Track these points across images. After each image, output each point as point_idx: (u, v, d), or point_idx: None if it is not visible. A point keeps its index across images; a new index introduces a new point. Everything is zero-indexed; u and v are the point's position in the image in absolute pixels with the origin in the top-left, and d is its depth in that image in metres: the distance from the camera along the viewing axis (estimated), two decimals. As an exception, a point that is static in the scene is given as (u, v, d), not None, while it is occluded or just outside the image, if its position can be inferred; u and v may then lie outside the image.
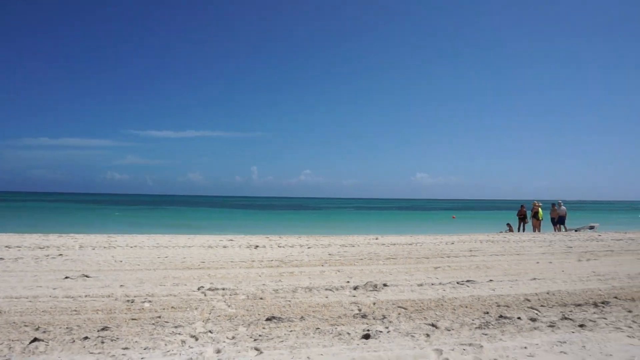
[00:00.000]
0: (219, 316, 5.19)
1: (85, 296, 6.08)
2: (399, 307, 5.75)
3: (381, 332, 4.51)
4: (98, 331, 4.46)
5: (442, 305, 5.89)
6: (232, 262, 9.64)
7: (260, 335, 4.41)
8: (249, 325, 4.83)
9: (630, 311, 5.59)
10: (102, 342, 4.11)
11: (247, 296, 6.34)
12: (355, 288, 6.92)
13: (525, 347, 4.08)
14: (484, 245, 13.46)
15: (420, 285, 7.31)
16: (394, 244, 13.42)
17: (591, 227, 23.05)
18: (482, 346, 4.06)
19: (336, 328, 4.69)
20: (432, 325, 4.84)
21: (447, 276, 8.26)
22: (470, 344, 4.14)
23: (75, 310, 5.30)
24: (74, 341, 4.13)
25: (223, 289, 6.73)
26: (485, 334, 4.50)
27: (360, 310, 5.58)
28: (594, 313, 5.48)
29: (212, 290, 6.67)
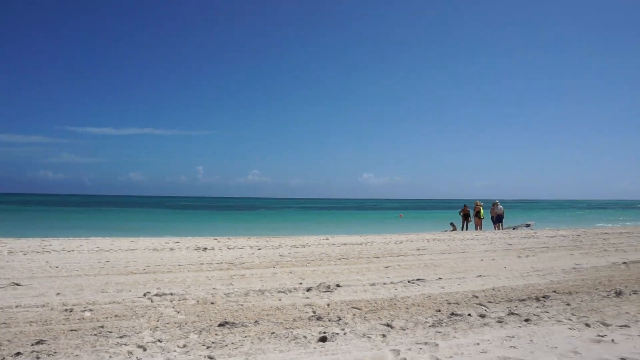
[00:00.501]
0: (167, 323, 4.92)
1: (16, 307, 5.57)
2: (353, 307, 5.74)
3: (337, 334, 4.46)
4: (32, 345, 4.08)
5: (395, 304, 5.94)
6: (179, 265, 9.27)
7: (213, 343, 4.22)
8: (200, 332, 4.61)
9: (568, 304, 5.91)
10: (37, 358, 3.76)
11: (197, 301, 6.09)
12: (309, 289, 6.84)
13: (478, 344, 4.17)
14: (431, 244, 13.86)
15: (373, 284, 7.36)
16: (345, 244, 13.50)
17: (527, 225, 24.42)
18: (437, 344, 4.11)
19: (292, 332, 4.59)
20: (388, 325, 4.86)
21: (398, 275, 8.39)
22: (425, 343, 4.18)
23: (5, 323, 4.83)
24: (3, 358, 3.75)
25: (171, 294, 6.43)
26: (439, 332, 4.57)
27: (315, 312, 5.51)
28: (537, 307, 5.74)
29: (160, 295, 6.35)
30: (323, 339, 4.28)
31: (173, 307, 5.72)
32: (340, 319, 5.11)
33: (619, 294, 6.47)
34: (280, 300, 6.22)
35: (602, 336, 4.39)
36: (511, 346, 4.10)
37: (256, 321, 5.02)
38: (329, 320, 5.06)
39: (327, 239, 15.24)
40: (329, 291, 6.78)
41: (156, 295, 6.38)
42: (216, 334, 4.52)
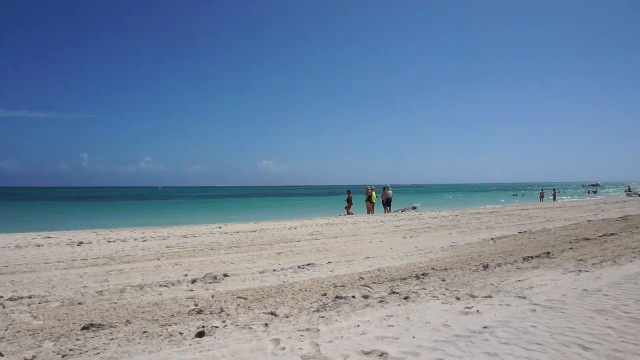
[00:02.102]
0: (18, 332, 4.25)
1: None
2: (238, 297, 5.51)
3: (217, 327, 4.21)
4: None
5: (282, 291, 5.83)
6: (46, 263, 8.20)
7: (71, 350, 3.71)
8: (58, 338, 4.05)
9: (444, 280, 6.31)
10: None
11: (62, 302, 5.39)
12: (194, 281, 6.46)
13: (358, 325, 4.22)
14: (325, 229, 14.10)
15: (262, 272, 7.19)
16: (238, 232, 13.15)
17: (414, 208, 26.20)
18: (319, 330, 4.07)
19: (167, 329, 4.23)
20: (271, 313, 4.72)
21: (289, 261, 8.33)
22: (307, 329, 4.11)
23: None
24: None
25: (30, 297, 5.61)
26: (323, 317, 4.55)
27: (197, 305, 5.18)
28: (416, 285, 6.04)
29: (14, 300, 5.51)
30: (200, 334, 4.00)
31: (30, 312, 4.98)
32: (222, 311, 4.85)
33: (486, 267, 7.09)
34: (160, 295, 5.76)
35: (469, 308, 4.71)
36: (389, 325, 4.20)
37: (128, 320, 4.56)
38: (211, 313, 4.78)
39: (219, 227, 14.75)
40: (216, 282, 6.47)
41: (10, 299, 5.52)
42: (77, 339, 3.99)
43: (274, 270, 7.32)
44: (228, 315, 4.71)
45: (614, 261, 7.36)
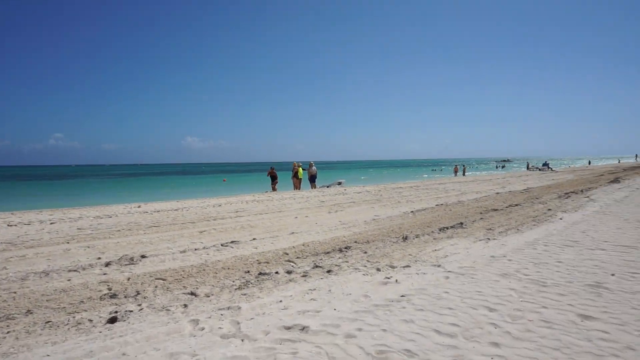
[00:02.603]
0: None
1: None
2: (157, 279, 5.26)
3: (132, 311, 3.98)
4: None
5: (204, 270, 5.66)
6: None
7: (-43, 347, 3.31)
8: (-58, 335, 3.59)
9: (365, 252, 6.49)
10: None
11: (-51, 295, 4.80)
12: (108, 264, 6.06)
13: (281, 301, 4.20)
14: (250, 206, 13.92)
15: (183, 252, 6.94)
16: (158, 211, 12.57)
17: (339, 183, 26.67)
18: (240, 307, 3.99)
19: (75, 317, 3.92)
20: (192, 293, 4.56)
21: (213, 239, 8.12)
22: (228, 308, 4.02)
23: None
24: None
25: None
26: (245, 294, 4.48)
27: (110, 289, 4.87)
28: (340, 258, 6.14)
29: None
30: (112, 320, 3.75)
31: None
32: (138, 294, 4.60)
33: (405, 239, 7.39)
34: (69, 280, 5.34)
35: (388, 278, 4.88)
36: (311, 299, 4.23)
37: (29, 310, 4.17)
38: (125, 297, 4.51)
39: (139, 206, 13.99)
40: (132, 264, 6.13)
41: None
42: (-35, 335, 3.57)
43: (196, 250, 7.08)
44: (145, 298, 4.47)
45: (517, 229, 8.02)
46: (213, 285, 4.88)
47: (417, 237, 7.54)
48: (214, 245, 7.38)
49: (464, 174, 44.44)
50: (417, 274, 5.05)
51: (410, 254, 6.21)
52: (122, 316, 3.86)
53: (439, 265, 5.44)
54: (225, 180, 52.81)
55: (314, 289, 4.57)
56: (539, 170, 47.96)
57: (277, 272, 5.35)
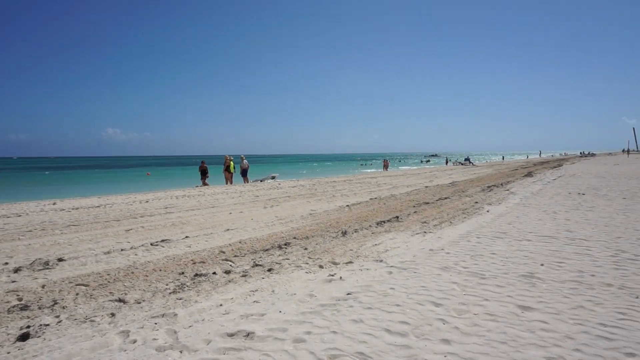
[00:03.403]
0: None
1: None
2: (78, 285, 4.73)
3: (48, 325, 3.49)
4: None
5: (133, 273, 5.19)
6: None
7: None
8: None
9: (306, 248, 6.34)
10: None
11: None
12: (17, 270, 5.38)
13: (221, 304, 3.92)
14: (180, 201, 13.24)
15: (108, 253, 6.36)
16: (77, 208, 11.54)
17: (273, 177, 26.34)
18: (176, 314, 3.66)
19: (-24, 334, 3.37)
20: (120, 300, 4.13)
21: (141, 238, 7.55)
22: (163, 315, 3.67)
23: None
24: None
25: None
26: (181, 299, 4.13)
27: (21, 299, 4.29)
28: (280, 255, 5.94)
29: None
30: (24, 337, 3.26)
31: None
32: (56, 304, 4.08)
33: (344, 233, 7.34)
34: (-31, 290, 4.64)
35: (332, 275, 4.76)
36: (254, 301, 4.00)
37: None
38: (40, 308, 3.98)
39: (54, 203, 12.78)
40: (48, 268, 5.49)
41: None
42: None
43: (122, 250, 6.53)
44: (64, 308, 3.97)
45: (450, 222, 8.29)
46: (144, 290, 4.47)
47: (356, 232, 7.52)
48: (142, 245, 6.86)
49: (386, 169, 45.52)
50: (361, 270, 4.99)
51: (351, 250, 6.15)
52: (36, 331, 3.37)
53: (381, 261, 5.42)
54: (149, 174, 50.25)
55: (256, 290, 4.33)
56: (462, 164, 50.79)
57: (214, 273, 5.03)
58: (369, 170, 48.44)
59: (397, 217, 9.04)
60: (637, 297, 3.96)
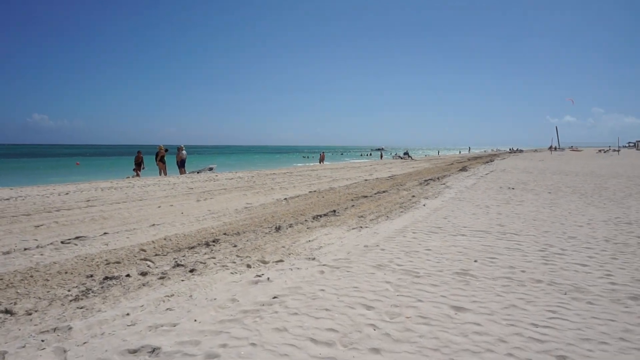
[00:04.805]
0: None
1: None
2: (-41, 293, 4.03)
3: None
4: None
5: (32, 277, 4.54)
6: None
7: None
8: None
9: (235, 245, 5.92)
10: None
11: None
12: None
13: (128, 314, 3.44)
14: (105, 194, 12.26)
15: (7, 253, 5.59)
16: (-18, 201, 10.30)
17: (210, 169, 25.40)
18: (71, 328, 3.14)
19: None
20: (6, 311, 3.52)
21: (51, 235, 6.77)
22: (55, 329, 3.14)
23: None
24: None
25: None
26: (82, 308, 3.60)
27: None
28: (205, 254, 5.48)
29: None
30: None
31: None
32: None
33: (278, 229, 6.99)
34: None
35: (260, 276, 4.40)
36: (168, 308, 3.55)
37: None
38: None
39: (-45, 195, 11.35)
40: None
41: None
42: None
43: (25, 250, 5.78)
44: None
45: (387, 216, 8.19)
46: (40, 298, 3.87)
47: (290, 227, 7.19)
48: (51, 243, 6.12)
49: (320, 162, 45.19)
50: (291, 270, 4.66)
51: (283, 247, 5.82)
52: None
53: (313, 258, 5.13)
54: (79, 164, 47.05)
55: (172, 295, 3.88)
56: (401, 158, 52.03)
57: (128, 275, 4.50)
58: (311, 163, 48.30)
59: (335, 211, 8.82)
60: (565, 294, 3.96)
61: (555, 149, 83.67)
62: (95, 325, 3.20)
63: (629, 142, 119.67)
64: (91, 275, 4.56)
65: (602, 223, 7.47)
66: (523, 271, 4.61)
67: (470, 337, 3.03)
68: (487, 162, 33.30)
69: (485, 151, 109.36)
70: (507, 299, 3.78)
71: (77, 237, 6.54)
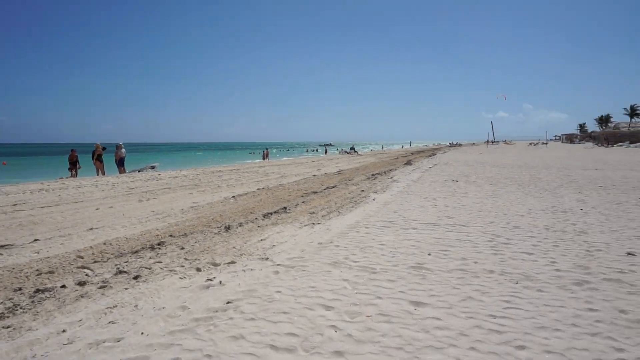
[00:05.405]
0: None
1: None
2: None
3: None
4: None
5: (-52, 293, 4.02)
6: None
7: None
8: None
9: (183, 248, 5.61)
10: None
11: None
12: None
13: (64, 330, 3.10)
14: (35, 196, 11.32)
15: None
16: None
17: (152, 167, 24.34)
18: (-5, 352, 2.77)
19: None
20: None
21: (-29, 245, 6.10)
22: (-24, 354, 2.76)
23: None
24: None
25: None
26: (8, 327, 3.20)
27: None
28: (151, 258, 5.13)
29: None
30: None
31: None
32: None
33: (228, 228, 6.72)
34: None
35: (211, 280, 4.16)
36: (111, 321, 3.24)
37: None
38: None
39: None
40: None
41: None
42: None
43: (-60, 262, 5.13)
44: None
45: (338, 212, 8.13)
46: (-43, 318, 3.42)
47: (240, 226, 6.95)
48: (-29, 254, 5.50)
49: (264, 158, 44.58)
50: (244, 271, 4.46)
51: (234, 247, 5.58)
52: None
53: (266, 258, 4.94)
54: (5, 163, 43.53)
55: (115, 306, 3.56)
56: (347, 153, 52.62)
57: (63, 286, 4.10)
58: (257, 160, 47.65)
59: (285, 208, 8.65)
60: (517, 283, 4.05)
61: (492, 142, 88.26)
62: (24, 347, 2.85)
63: (555, 135, 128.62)
64: (19, 289, 4.11)
65: (541, 212, 7.84)
66: (475, 262, 4.69)
67: (432, 333, 2.99)
68: (430, 156, 34.40)
69: (427, 145, 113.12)
70: (464, 291, 3.80)
71: (2, 246, 5.95)
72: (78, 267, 4.85)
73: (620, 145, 54.05)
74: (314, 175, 17.71)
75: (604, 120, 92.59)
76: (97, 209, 9.37)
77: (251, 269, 4.52)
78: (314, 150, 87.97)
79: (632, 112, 76.87)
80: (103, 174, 19.95)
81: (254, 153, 77.58)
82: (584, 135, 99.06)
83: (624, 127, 74.64)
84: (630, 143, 54.86)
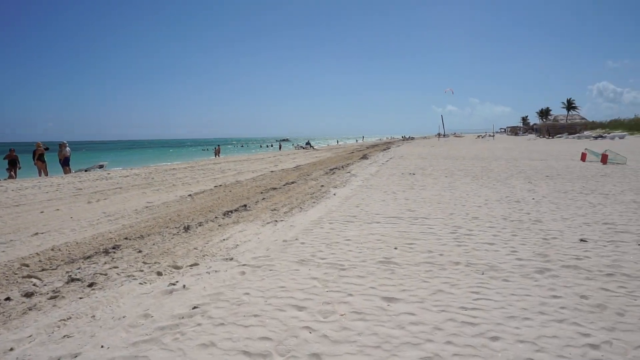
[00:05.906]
0: None
1: None
2: None
3: None
4: None
5: None
6: None
7: None
8: None
9: (140, 251, 5.32)
10: None
11: None
12: None
13: (12, 349, 2.81)
14: (-30, 200, 10.45)
15: None
16: None
17: (101, 166, 23.20)
18: None
19: None
20: None
21: None
22: None
23: None
24: None
25: None
26: (-54, 347, 2.88)
27: None
28: (106, 263, 4.83)
29: None
30: None
31: None
32: None
33: (187, 229, 6.46)
34: None
35: (174, 284, 3.95)
36: (65, 335, 2.98)
37: None
38: None
39: None
40: None
41: None
42: None
43: None
44: None
45: (300, 208, 8.03)
46: None
47: (200, 226, 6.70)
48: None
49: (216, 155, 43.65)
50: (208, 273, 4.27)
51: (196, 248, 5.36)
52: None
53: (231, 259, 4.77)
54: None
55: (70, 318, 3.29)
56: (303, 148, 52.53)
57: (8, 299, 3.76)
58: (211, 157, 46.59)
59: (245, 205, 8.45)
60: (483, 274, 4.12)
61: (443, 135, 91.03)
62: (-33, 369, 2.57)
63: (501, 128, 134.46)
64: (-43, 303, 3.73)
65: (497, 202, 8.10)
66: (441, 254, 4.74)
67: (407, 329, 2.97)
68: (385, 150, 34.94)
69: (380, 139, 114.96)
70: (433, 284, 3.82)
71: None
72: (23, 277, 4.48)
73: (560, 137, 57.27)
74: (272, 172, 17.49)
75: (544, 113, 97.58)
76: (42, 212, 8.77)
77: (216, 271, 4.34)
78: (268, 146, 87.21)
79: (569, 106, 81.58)
80: (46, 174, 18.76)
81: (207, 149, 75.87)
82: (526, 127, 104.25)
83: (562, 119, 79.17)
84: (568, 134, 58.27)
